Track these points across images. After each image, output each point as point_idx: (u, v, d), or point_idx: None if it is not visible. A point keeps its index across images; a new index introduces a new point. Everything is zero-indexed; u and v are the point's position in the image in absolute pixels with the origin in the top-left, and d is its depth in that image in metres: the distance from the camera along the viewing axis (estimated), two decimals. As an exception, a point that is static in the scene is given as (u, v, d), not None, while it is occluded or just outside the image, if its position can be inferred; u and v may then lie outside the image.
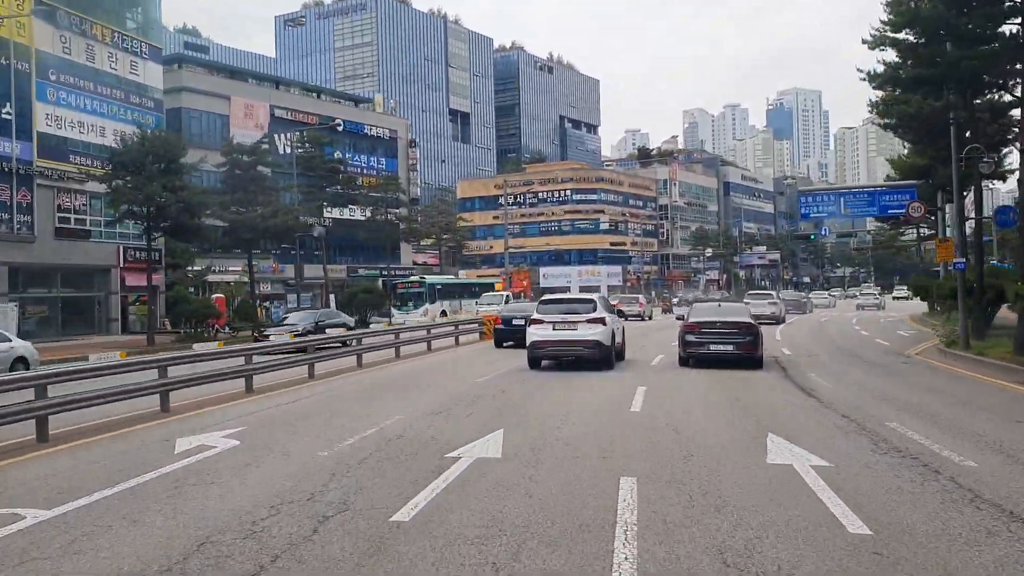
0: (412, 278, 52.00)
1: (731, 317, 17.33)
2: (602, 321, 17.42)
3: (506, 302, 38.63)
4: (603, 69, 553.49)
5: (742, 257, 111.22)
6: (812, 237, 55.22)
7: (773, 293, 54.70)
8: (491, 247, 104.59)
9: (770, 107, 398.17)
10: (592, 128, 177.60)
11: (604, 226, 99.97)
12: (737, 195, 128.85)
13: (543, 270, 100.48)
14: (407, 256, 69.50)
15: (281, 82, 65.66)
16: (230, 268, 51.80)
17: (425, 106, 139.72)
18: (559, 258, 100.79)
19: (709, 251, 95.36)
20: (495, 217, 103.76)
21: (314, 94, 67.41)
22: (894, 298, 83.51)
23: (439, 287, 51.11)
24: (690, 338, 17.04)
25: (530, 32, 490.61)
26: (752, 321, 17.38)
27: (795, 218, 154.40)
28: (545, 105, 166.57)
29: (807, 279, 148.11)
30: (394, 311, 45.47)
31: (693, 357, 16.95)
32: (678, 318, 22.38)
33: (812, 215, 40.85)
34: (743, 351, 16.59)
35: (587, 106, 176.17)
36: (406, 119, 79.04)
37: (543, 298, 20.91)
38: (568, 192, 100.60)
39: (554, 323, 17.50)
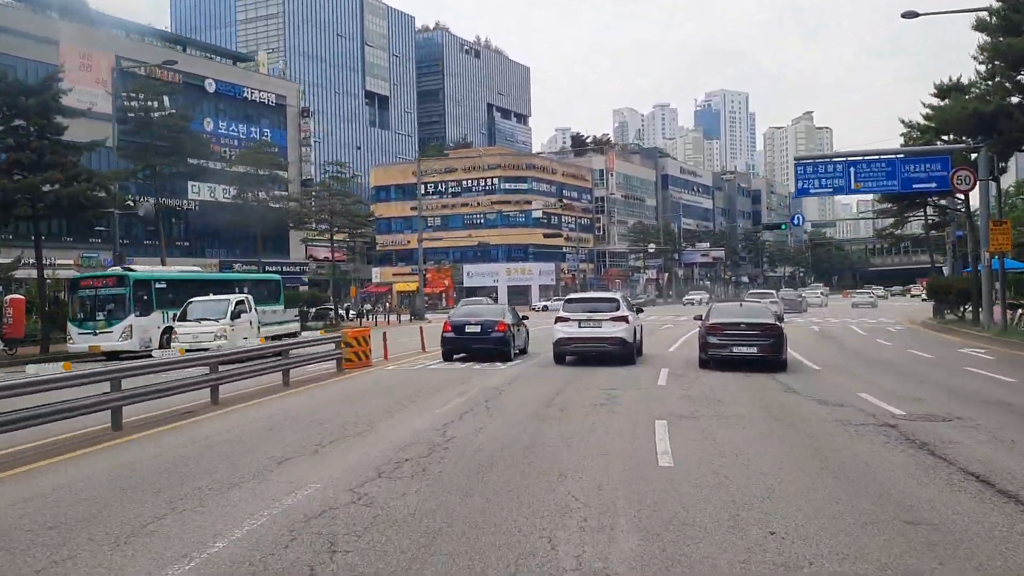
0: (110, 271, 28.17)
1: (754, 318, 16.71)
2: (625, 319, 18.27)
3: (234, 317, 23.13)
4: (534, 62, 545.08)
5: (683, 254, 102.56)
6: (783, 227, 46.62)
7: (773, 292, 51.34)
8: (408, 242, 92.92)
9: (698, 108, 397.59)
10: (523, 119, 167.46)
11: (536, 218, 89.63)
12: (675, 189, 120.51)
13: (467, 268, 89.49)
14: (298, 249, 57.51)
15: (132, 30, 52.62)
16: (59, 261, 39.09)
17: (339, 87, 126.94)
18: (485, 254, 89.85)
19: (652, 247, 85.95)
20: (413, 208, 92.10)
21: (179, 46, 54.63)
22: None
23: (161, 285, 26.78)
24: (712, 340, 16.44)
25: (456, 13, 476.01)
26: (776, 322, 16.74)
27: (734, 215, 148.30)
28: (472, 91, 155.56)
29: (745, 278, 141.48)
30: (72, 328, 25.65)
31: (715, 360, 16.43)
32: (696, 318, 19.89)
33: (813, 190, 30.91)
34: (767, 353, 15.96)
35: (517, 95, 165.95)
36: (297, 83, 66.76)
37: (568, 297, 21.17)
38: (495, 180, 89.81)
39: (580, 321, 18.31)
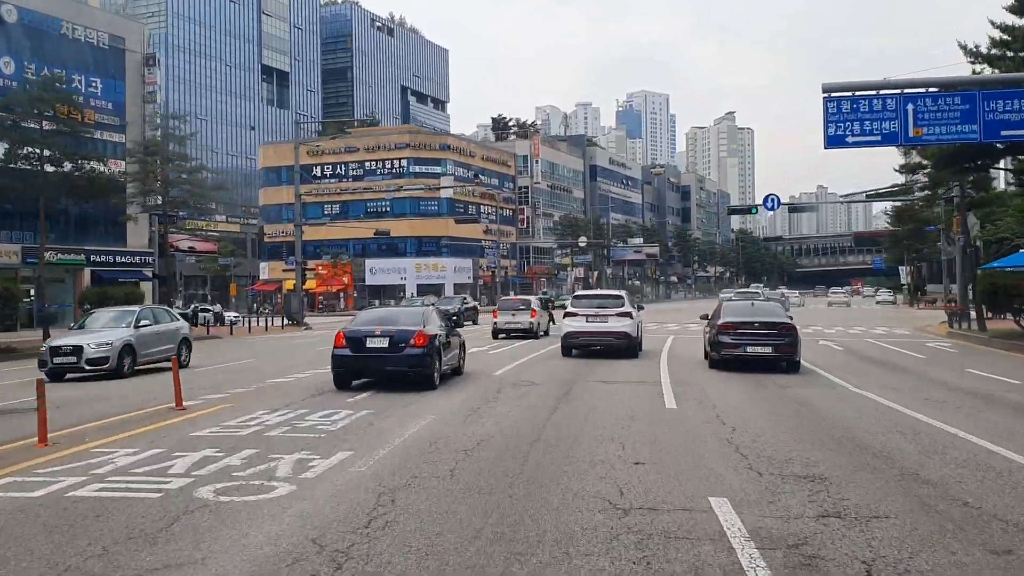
0: None
1: (768, 317, 16.05)
2: (629, 315, 19.25)
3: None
4: (454, 50, 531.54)
5: (614, 251, 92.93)
6: (753, 211, 37.66)
7: (759, 291, 49.83)
8: (302, 232, 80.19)
9: (620, 108, 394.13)
10: (441, 104, 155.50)
11: (453, 206, 78.31)
12: (604, 181, 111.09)
13: (370, 263, 77.35)
14: (139, 235, 44.35)
15: None
16: None
17: (231, 59, 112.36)
18: (391, 248, 77.97)
19: (583, 240, 75.61)
20: (307, 194, 79.47)
21: (-39, -44, 40.74)
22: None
23: None
24: (724, 339, 15.69)
25: None
26: (791, 321, 16.15)
27: (663, 211, 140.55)
28: (385, 72, 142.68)
29: (674, 278, 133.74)
30: None
31: (727, 360, 15.70)
32: (702, 317, 19.00)
33: (851, 138, 20.53)
34: (782, 353, 15.43)
35: (435, 78, 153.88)
36: (143, 24, 53.45)
37: (576, 293, 23.17)
38: (403, 162, 77.93)
39: (587, 316, 19.24)
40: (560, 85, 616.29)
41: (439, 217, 77.99)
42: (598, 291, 27.00)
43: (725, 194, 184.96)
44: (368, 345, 13.14)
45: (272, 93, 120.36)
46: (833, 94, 19.93)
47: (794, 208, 35.08)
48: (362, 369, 13.47)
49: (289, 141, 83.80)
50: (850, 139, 19.82)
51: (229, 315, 48.06)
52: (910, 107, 19.53)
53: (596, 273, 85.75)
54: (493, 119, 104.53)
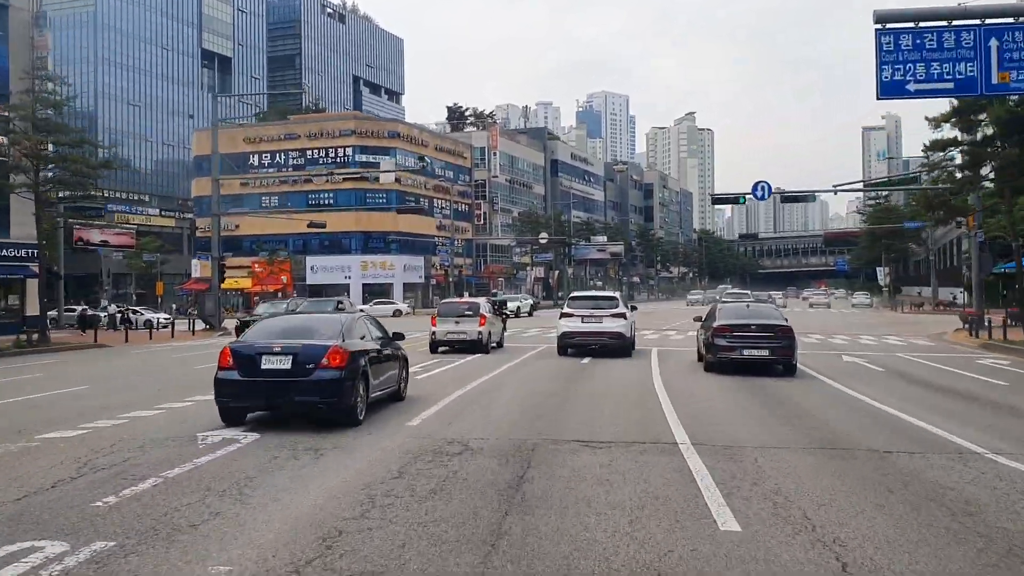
0: None
1: (765, 319, 15.76)
2: (623, 315, 19.77)
3: None
4: (410, 44, 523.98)
5: (576, 249, 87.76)
6: (741, 200, 32.83)
7: (748, 292, 48.86)
8: (237, 226, 73.75)
9: (580, 108, 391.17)
10: (395, 96, 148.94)
11: (400, 201, 72.38)
12: (566, 177, 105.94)
13: (311, 260, 71.05)
14: (26, 224, 37.52)
15: None
16: None
17: (169, 41, 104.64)
18: (335, 244, 71.84)
19: (544, 237, 70.13)
20: (244, 184, 72.90)
21: None
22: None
23: None
24: (721, 342, 15.28)
25: None
26: (788, 323, 15.73)
27: (626, 209, 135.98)
28: (335, 61, 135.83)
29: (636, 278, 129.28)
30: None
31: (723, 363, 15.22)
32: (696, 319, 19.16)
33: (914, 84, 15.01)
34: (779, 356, 15.15)
35: (389, 68, 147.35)
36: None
37: (572, 295, 22.76)
38: (349, 151, 71.72)
39: (583, 316, 19.74)
40: (521, 83, 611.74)
41: (387, 211, 71.91)
42: (593, 292, 27.37)
43: (688, 193, 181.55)
44: (264, 366, 9.58)
45: (213, 80, 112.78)
46: (889, 25, 14.64)
47: (786, 198, 30.06)
48: (256, 398, 9.78)
49: (224, 128, 76.89)
50: (912, 86, 14.67)
51: (158, 316, 43.80)
52: (994, 43, 14.36)
53: (556, 273, 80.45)
54: (449, 108, 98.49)
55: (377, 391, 10.56)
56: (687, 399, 12.07)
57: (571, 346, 19.83)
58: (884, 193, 78.91)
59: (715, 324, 15.64)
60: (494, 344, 22.08)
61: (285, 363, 9.48)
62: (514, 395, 12.67)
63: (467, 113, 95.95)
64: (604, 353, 19.16)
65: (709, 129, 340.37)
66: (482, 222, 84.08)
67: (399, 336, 12.25)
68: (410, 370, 12.88)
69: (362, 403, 9.85)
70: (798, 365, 15.70)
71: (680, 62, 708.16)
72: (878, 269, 69.30)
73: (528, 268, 77.22)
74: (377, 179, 70.92)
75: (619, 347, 19.28)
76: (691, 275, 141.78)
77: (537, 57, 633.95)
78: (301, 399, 9.51)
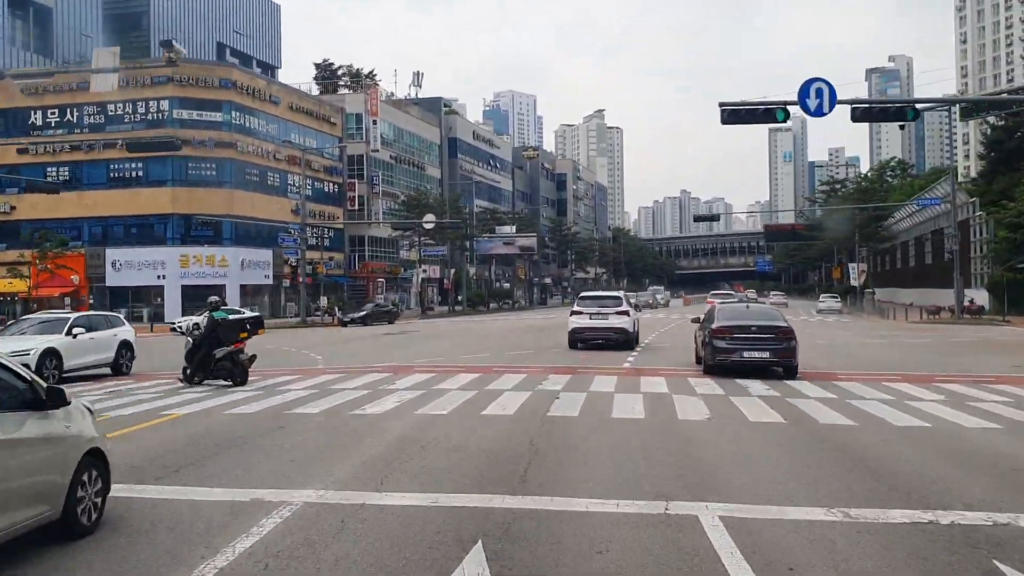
0: None
1: (766, 321, 15.46)
2: (627, 313, 21.85)
3: None
4: (291, 10, 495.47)
5: (479, 243, 71.29)
6: (780, 117, 19.42)
7: (733, 292, 49.69)
8: (13, 207, 54.26)
9: (487, 107, 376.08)
10: (271, 70, 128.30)
11: (239, 175, 54.17)
12: (467, 159, 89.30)
13: (113, 253, 51.89)
14: None
15: None
16: None
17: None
18: (146, 232, 53.16)
19: (430, 220, 52.75)
20: (22, 151, 53.11)
21: None
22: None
23: None
24: (720, 344, 15.00)
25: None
26: (789, 326, 15.36)
27: (536, 200, 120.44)
28: (195, 24, 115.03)
29: (548, 279, 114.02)
30: None
31: (723, 365, 14.90)
32: (694, 320, 18.99)
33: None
34: (780, 358, 14.80)
35: (263, 37, 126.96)
36: None
37: (582, 295, 24.51)
38: (165, 106, 52.80)
39: (591, 314, 21.71)
40: (428, 83, 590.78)
41: (222, 187, 53.56)
42: (600, 292, 28.14)
43: (602, 187, 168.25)
44: None
45: (27, 34, 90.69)
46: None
47: (863, 113, 16.70)
48: None
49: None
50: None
51: None
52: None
53: (454, 272, 63.60)
54: (318, 65, 79.25)
55: None
56: None
57: (580, 340, 21.63)
58: (852, 175, 66.08)
59: (714, 326, 15.26)
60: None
61: None
62: None
63: (340, 73, 77.48)
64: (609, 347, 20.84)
65: (618, 127, 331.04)
66: (357, 206, 66.43)
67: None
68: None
69: None
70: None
71: (590, 65, 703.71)
72: (850, 266, 55.59)
73: (416, 265, 60.03)
74: (204, 143, 52.63)
75: (623, 341, 21.25)
76: (606, 276, 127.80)
77: (444, 59, 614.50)
78: None
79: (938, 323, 38.03)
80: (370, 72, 75.39)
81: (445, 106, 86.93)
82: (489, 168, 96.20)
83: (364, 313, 45.07)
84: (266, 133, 56.80)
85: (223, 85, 53.48)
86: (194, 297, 51.56)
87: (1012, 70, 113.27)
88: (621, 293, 25.05)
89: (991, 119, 53.47)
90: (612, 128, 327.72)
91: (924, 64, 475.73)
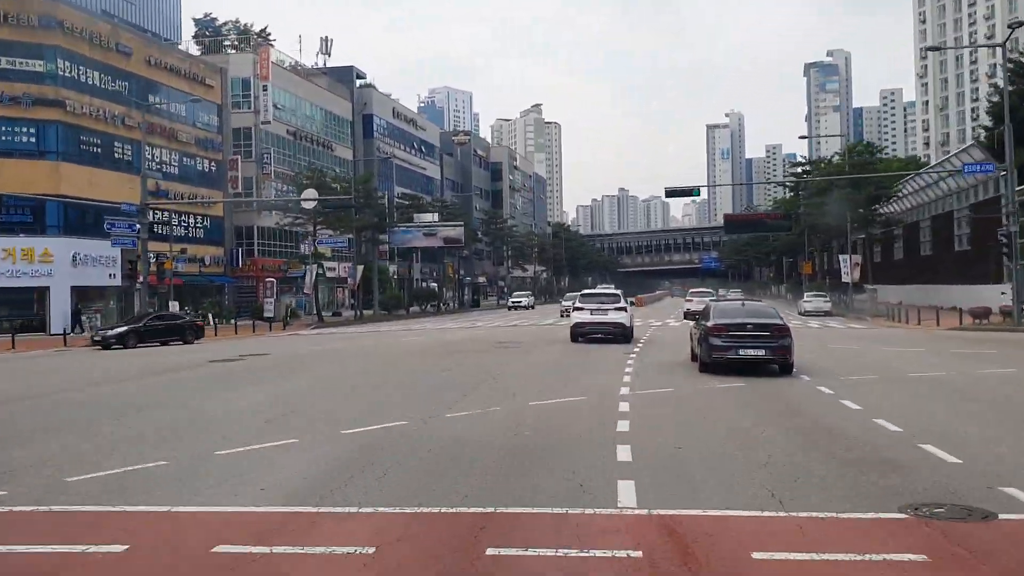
0: None
1: (761, 319, 15.36)
2: (624, 309, 23.80)
3: None
4: None
5: (394, 234, 59.67)
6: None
7: (712, 291, 46.25)
8: None
9: (422, 103, 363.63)
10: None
11: (73, 146, 41.49)
12: (386, 141, 77.53)
13: None
14: None
15: None
16: None
17: None
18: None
19: (311, 196, 40.45)
20: None
21: None
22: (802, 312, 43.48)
23: None
24: (716, 342, 14.87)
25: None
26: (786, 323, 15.40)
27: (468, 189, 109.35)
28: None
29: (483, 279, 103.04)
30: None
31: (719, 363, 14.79)
32: (688, 316, 20.94)
33: None
34: (776, 356, 14.76)
35: (156, 7, 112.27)
36: None
37: (583, 292, 27.55)
38: (-37, 48, 39.72)
39: (591, 310, 23.58)
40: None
41: (42, 158, 40.87)
42: (599, 291, 30.94)
43: (541, 179, 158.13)
44: None
45: None
46: None
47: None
48: None
49: None
50: None
51: None
52: None
53: (361, 269, 51.83)
54: (197, 20, 65.71)
55: None
56: None
57: (581, 334, 23.15)
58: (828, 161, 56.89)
59: (710, 323, 15.27)
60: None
61: None
62: None
63: (226, 30, 64.34)
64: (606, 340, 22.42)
65: (556, 122, 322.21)
66: (242, 189, 54.16)
67: None
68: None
69: None
70: None
71: (529, 64, 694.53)
72: (841, 258, 46.03)
73: (309, 260, 47.81)
74: (18, 100, 39.98)
75: (621, 334, 22.91)
76: (546, 275, 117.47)
77: (379, 59, 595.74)
78: None
79: (986, 329, 28.32)
80: (262, 30, 62.78)
81: (359, 77, 74.86)
82: (413, 152, 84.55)
83: (124, 329, 29.09)
84: (112, 92, 44.19)
85: (44, 25, 40.61)
86: (3, 304, 38.99)
87: (975, 59, 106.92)
88: (619, 291, 27.60)
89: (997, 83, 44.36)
90: (550, 123, 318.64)
91: (879, 58, 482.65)
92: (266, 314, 46.24)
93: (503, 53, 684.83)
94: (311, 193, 39.83)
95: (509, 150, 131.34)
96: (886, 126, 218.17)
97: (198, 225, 50.57)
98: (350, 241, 55.81)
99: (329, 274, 60.18)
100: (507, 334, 29.76)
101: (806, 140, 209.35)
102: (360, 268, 50.85)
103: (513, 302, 64.40)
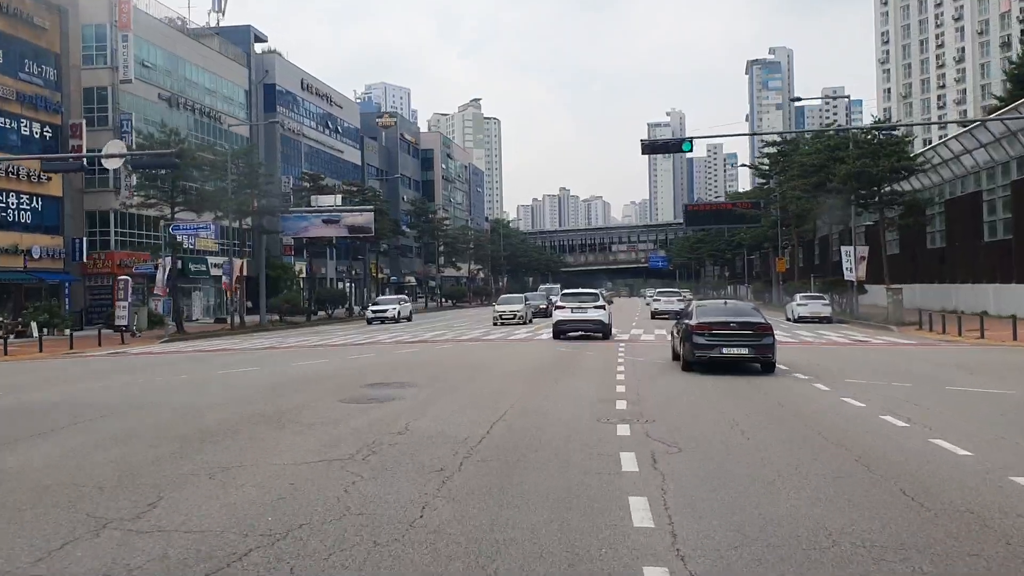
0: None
1: (744, 317, 15.30)
2: (603, 307, 25.00)
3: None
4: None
5: (287, 220, 48.75)
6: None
7: (680, 291, 47.00)
8: None
9: (358, 99, 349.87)
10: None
11: None
12: (293, 116, 66.36)
13: None
14: None
15: None
16: None
17: None
18: None
19: (115, 148, 29.33)
20: None
21: None
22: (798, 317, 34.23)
23: None
24: (699, 340, 14.80)
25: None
26: (768, 322, 15.35)
27: (394, 182, 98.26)
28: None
29: (412, 278, 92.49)
30: None
31: (701, 362, 14.77)
32: (673, 315, 22.62)
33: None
34: (759, 354, 14.76)
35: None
36: None
37: (564, 292, 28.92)
38: None
39: (572, 308, 24.82)
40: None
41: None
42: (579, 290, 29.19)
43: (479, 171, 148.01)
44: None
45: None
46: None
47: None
48: None
49: None
50: None
51: None
52: None
53: (242, 264, 40.83)
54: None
55: None
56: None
57: (564, 331, 24.51)
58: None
59: (692, 322, 15.33)
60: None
61: None
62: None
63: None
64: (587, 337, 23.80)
65: (496, 118, 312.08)
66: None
67: None
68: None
69: None
70: None
71: (465, 65, 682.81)
72: (843, 249, 37.06)
73: (161, 255, 36.61)
74: None
75: (599, 330, 24.32)
76: (482, 274, 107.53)
77: (315, 53, 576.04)
78: None
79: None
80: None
81: (259, 40, 63.48)
82: (326, 131, 73.44)
83: None
84: None
85: None
86: None
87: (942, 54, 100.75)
88: (599, 290, 31.71)
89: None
90: (489, 119, 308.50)
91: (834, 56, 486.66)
92: (118, 321, 35.52)
93: (441, 51, 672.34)
94: (117, 147, 28.78)
95: (442, 136, 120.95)
96: (829, 125, 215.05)
97: (23, 207, 38.91)
98: (233, 231, 44.75)
99: (215, 272, 49.10)
100: (399, 361, 19.37)
101: (746, 139, 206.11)
102: (238, 263, 39.77)
103: (375, 312, 43.59)
